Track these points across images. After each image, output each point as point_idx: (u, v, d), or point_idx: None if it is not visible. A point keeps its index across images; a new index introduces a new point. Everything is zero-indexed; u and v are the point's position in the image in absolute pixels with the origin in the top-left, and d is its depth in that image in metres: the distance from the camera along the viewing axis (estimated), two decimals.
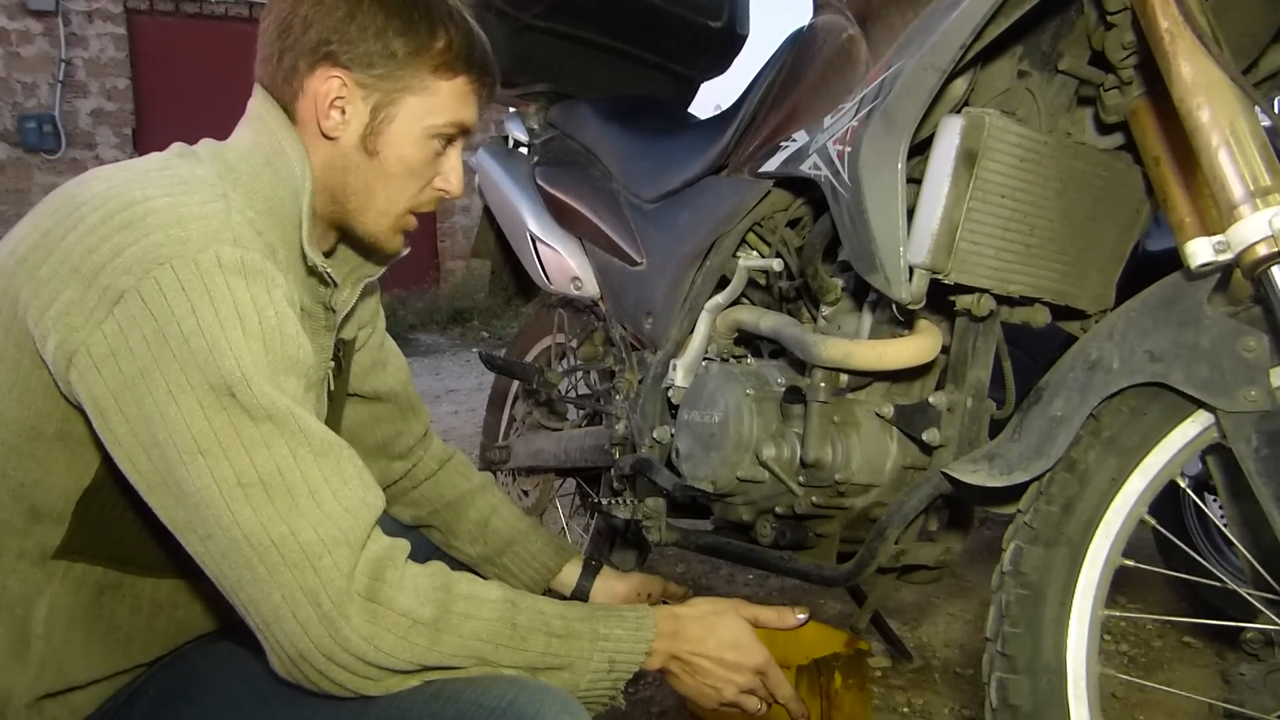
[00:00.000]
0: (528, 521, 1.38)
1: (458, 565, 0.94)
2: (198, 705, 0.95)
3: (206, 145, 0.99)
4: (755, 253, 1.51)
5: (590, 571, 1.36)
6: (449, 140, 1.03)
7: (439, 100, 0.99)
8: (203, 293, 0.81)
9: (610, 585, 1.35)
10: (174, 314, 0.80)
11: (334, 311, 1.06)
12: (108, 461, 0.87)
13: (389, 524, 0.91)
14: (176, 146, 0.98)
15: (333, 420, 1.13)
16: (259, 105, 0.99)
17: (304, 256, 0.99)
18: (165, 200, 0.84)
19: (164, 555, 0.94)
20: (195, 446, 0.80)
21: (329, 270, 1.01)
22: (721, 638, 1.00)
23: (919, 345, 1.26)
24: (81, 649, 0.93)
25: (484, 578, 0.95)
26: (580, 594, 1.35)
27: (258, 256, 0.86)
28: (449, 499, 1.36)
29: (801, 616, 1.06)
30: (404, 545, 0.89)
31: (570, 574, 1.36)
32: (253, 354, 0.82)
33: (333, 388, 1.10)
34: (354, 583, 0.82)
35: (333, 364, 1.09)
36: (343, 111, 0.97)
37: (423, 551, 0.93)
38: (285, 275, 0.90)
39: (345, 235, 1.05)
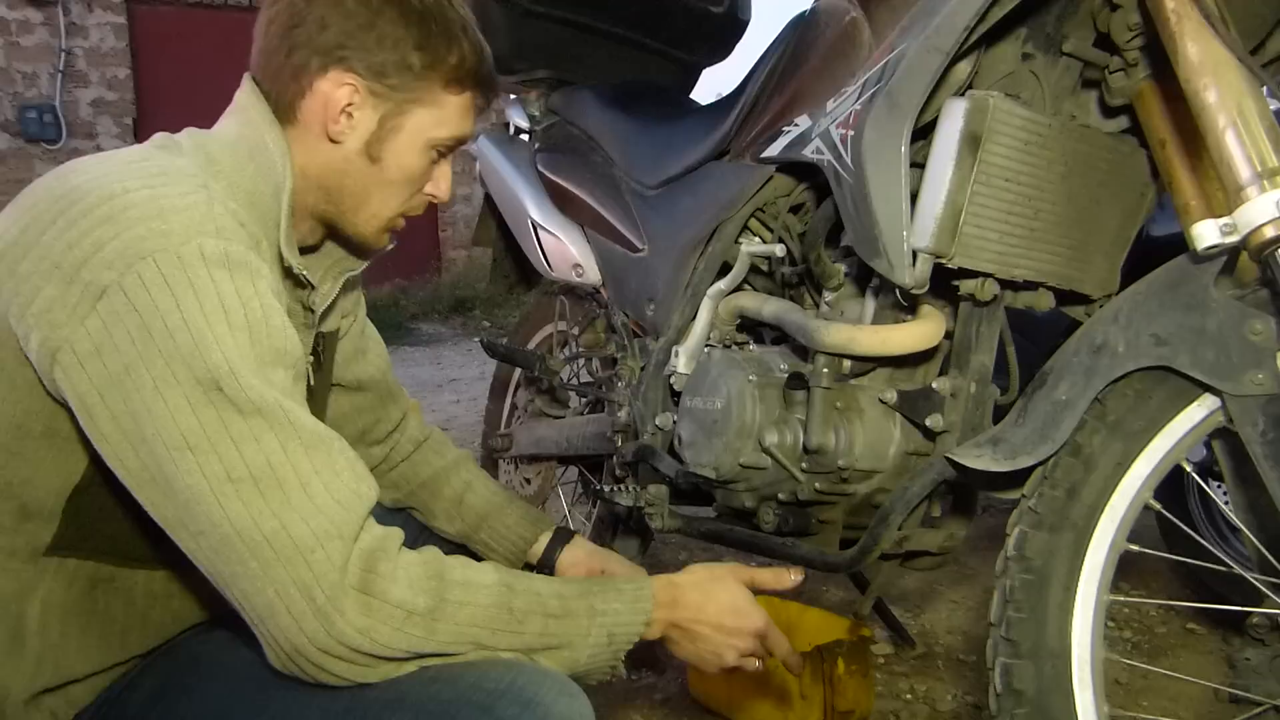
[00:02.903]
0: (503, 495, 1.37)
1: (450, 549, 0.93)
2: (198, 692, 0.95)
3: (189, 135, 0.97)
4: (757, 238, 1.51)
5: (560, 540, 1.33)
6: (446, 150, 1.03)
7: (446, 114, 1.00)
8: (186, 286, 0.80)
9: (575, 555, 1.32)
10: (158, 308, 0.79)
11: (312, 311, 1.05)
12: (96, 458, 0.86)
13: (375, 509, 0.90)
14: (159, 137, 0.96)
15: (315, 415, 1.13)
16: (246, 98, 0.98)
17: (281, 256, 0.98)
18: (145, 193, 0.83)
19: (155, 548, 0.93)
20: (183, 442, 0.79)
21: (306, 273, 1.00)
22: (720, 604, 0.99)
23: (922, 330, 1.25)
24: (78, 643, 0.93)
25: (476, 557, 0.93)
26: (547, 563, 1.33)
27: (241, 248, 0.84)
28: (424, 478, 1.35)
29: (797, 577, 1.07)
30: (397, 534, 0.88)
31: (545, 544, 1.34)
32: (239, 347, 0.81)
33: (313, 383, 1.10)
34: (347, 575, 0.82)
35: (311, 359, 1.09)
36: (350, 117, 0.96)
37: (411, 532, 0.92)
38: (269, 268, 0.90)
39: (332, 231, 1.05)
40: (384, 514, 1.29)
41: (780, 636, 1.03)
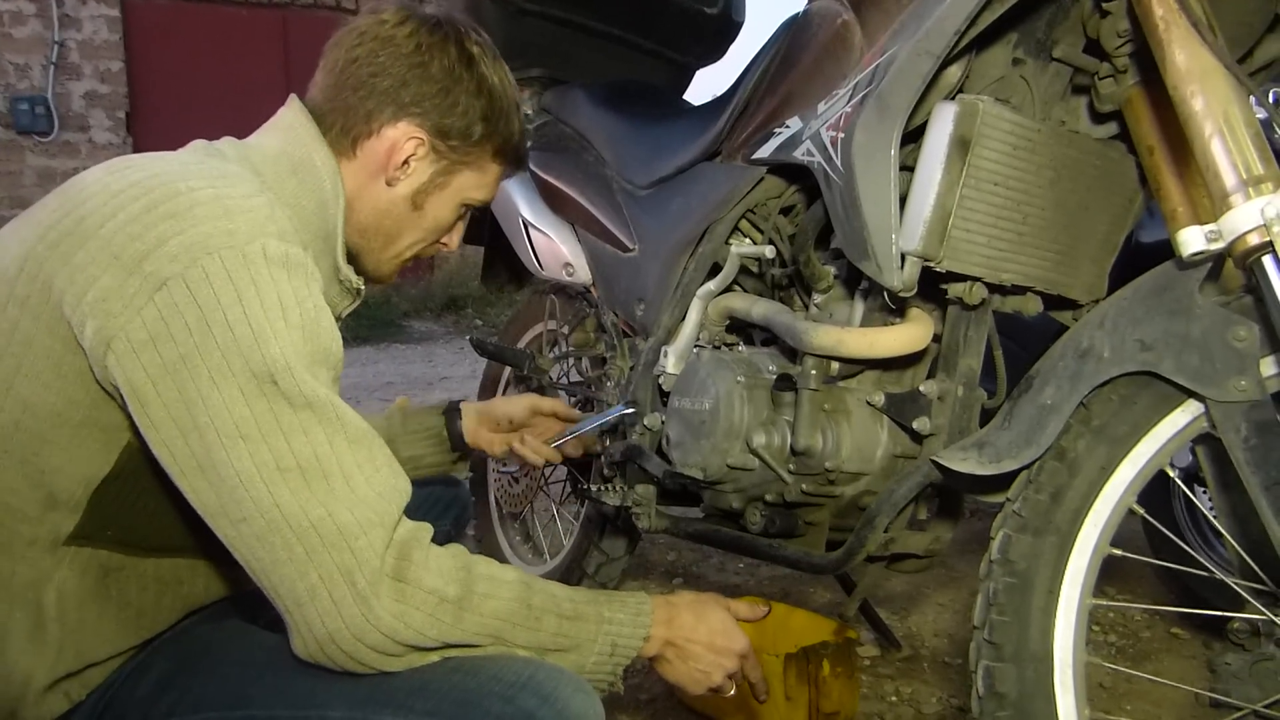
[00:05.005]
0: (395, 414, 1.46)
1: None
2: (214, 675, 0.96)
3: (230, 144, 1.01)
4: (748, 240, 1.51)
5: (451, 419, 1.45)
6: (470, 209, 1.13)
7: (486, 179, 1.10)
8: (249, 283, 0.83)
9: (469, 424, 1.45)
10: (220, 302, 0.82)
11: (340, 319, 1.10)
12: (129, 450, 0.89)
13: None
14: (199, 143, 1.00)
15: None
16: (294, 117, 1.03)
17: (336, 266, 1.04)
18: (210, 192, 0.87)
19: (168, 537, 0.96)
20: (236, 431, 0.82)
21: (361, 286, 1.08)
22: (711, 625, 1.03)
23: (910, 333, 1.25)
24: (95, 627, 0.94)
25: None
26: (456, 442, 1.44)
27: (299, 251, 0.89)
28: None
29: (764, 609, 1.13)
30: (427, 529, 0.92)
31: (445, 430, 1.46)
32: (294, 344, 0.85)
33: None
34: (384, 563, 0.85)
35: None
36: (409, 165, 1.04)
37: None
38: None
39: (349, 258, 1.10)
40: None
41: (757, 660, 1.07)
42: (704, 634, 1.02)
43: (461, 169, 1.07)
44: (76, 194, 0.89)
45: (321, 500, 0.83)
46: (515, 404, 1.47)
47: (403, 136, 1.02)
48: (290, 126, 1.02)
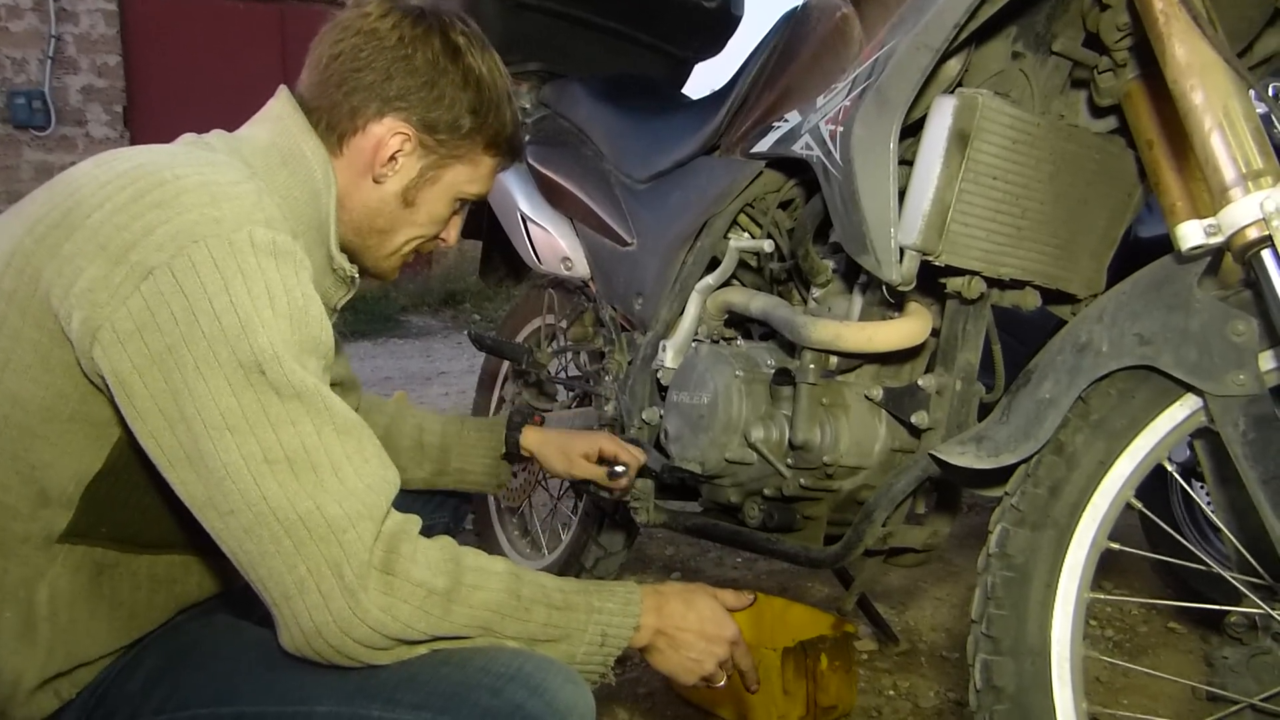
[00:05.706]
0: (452, 421, 1.44)
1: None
2: (204, 671, 0.96)
3: (218, 136, 1.00)
4: (746, 234, 1.51)
5: (514, 428, 1.45)
6: (467, 203, 1.11)
7: (479, 172, 1.08)
8: (235, 271, 0.82)
9: (531, 437, 1.45)
10: (206, 291, 0.81)
11: (336, 310, 1.09)
12: (120, 445, 0.88)
13: None
14: (189, 137, 0.99)
15: None
16: (282, 107, 1.01)
17: (329, 256, 1.02)
18: (197, 179, 0.86)
19: (162, 533, 0.95)
20: (222, 423, 0.81)
21: (355, 275, 1.06)
22: (701, 613, 1.02)
23: (909, 328, 1.25)
24: (87, 627, 0.94)
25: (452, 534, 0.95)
26: (513, 450, 1.44)
27: (288, 239, 0.87)
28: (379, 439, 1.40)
29: (750, 598, 1.12)
30: (416, 520, 0.91)
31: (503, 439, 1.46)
32: (281, 333, 0.84)
33: None
34: (373, 556, 0.84)
35: None
36: (396, 161, 1.02)
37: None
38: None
39: (349, 255, 1.09)
40: None
41: (747, 648, 1.06)
42: (694, 622, 1.01)
43: (452, 163, 1.05)
44: (64, 187, 0.88)
45: (309, 493, 0.82)
46: (583, 466, 1.46)
47: (388, 132, 1.00)
48: (279, 118, 1.01)
